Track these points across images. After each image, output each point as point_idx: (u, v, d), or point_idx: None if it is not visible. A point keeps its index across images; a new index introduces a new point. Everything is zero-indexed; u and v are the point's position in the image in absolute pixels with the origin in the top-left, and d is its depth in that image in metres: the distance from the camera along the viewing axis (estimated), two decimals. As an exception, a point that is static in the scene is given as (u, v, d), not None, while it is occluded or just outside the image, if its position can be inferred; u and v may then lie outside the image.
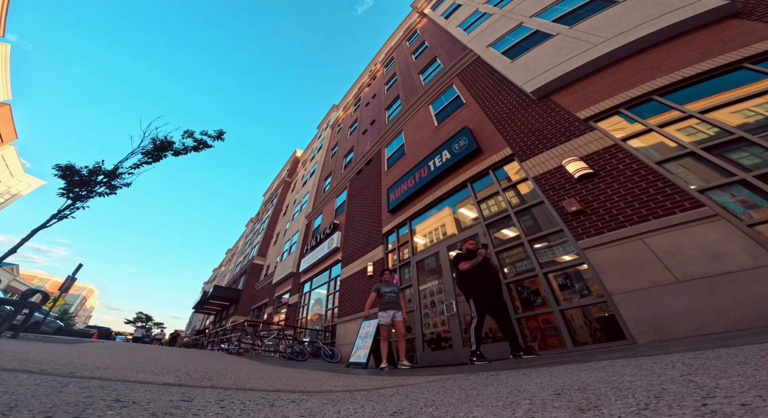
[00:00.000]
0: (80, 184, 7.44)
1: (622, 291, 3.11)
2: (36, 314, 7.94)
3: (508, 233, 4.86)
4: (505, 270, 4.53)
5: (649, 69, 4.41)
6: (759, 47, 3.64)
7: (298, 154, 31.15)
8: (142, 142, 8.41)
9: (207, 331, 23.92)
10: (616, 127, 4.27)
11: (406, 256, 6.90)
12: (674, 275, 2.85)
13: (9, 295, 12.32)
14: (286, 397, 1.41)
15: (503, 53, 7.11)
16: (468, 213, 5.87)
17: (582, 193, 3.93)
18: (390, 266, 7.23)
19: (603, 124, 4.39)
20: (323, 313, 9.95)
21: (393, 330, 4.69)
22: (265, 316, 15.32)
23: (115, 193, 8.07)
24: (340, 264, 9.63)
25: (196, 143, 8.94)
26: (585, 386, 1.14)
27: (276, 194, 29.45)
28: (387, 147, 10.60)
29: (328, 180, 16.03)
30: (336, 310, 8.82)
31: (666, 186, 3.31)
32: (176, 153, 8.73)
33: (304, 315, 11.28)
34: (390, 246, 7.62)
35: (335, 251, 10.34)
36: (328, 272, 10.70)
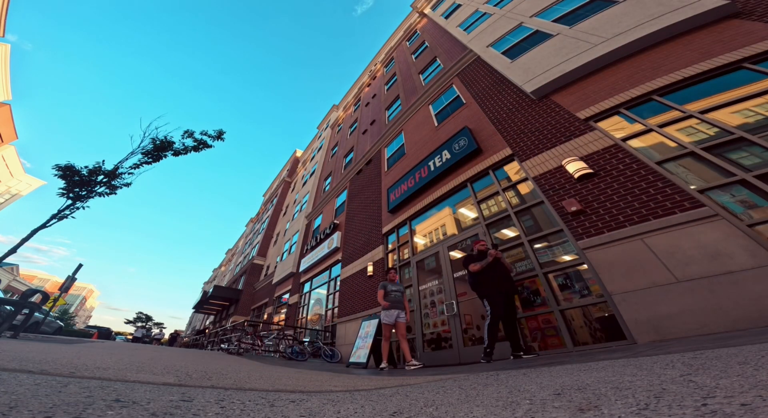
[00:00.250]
0: (80, 184, 7.44)
1: (622, 291, 3.11)
2: (36, 314, 7.94)
3: (508, 232, 4.86)
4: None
5: (649, 69, 4.41)
6: (759, 47, 3.64)
7: (298, 154, 31.15)
8: (142, 142, 8.41)
9: (207, 331, 23.92)
10: (616, 127, 4.27)
11: (406, 256, 6.90)
12: (674, 275, 2.85)
13: (9, 295, 12.32)
14: (286, 397, 1.41)
15: (503, 53, 7.11)
16: (468, 213, 5.87)
17: (582, 193, 3.93)
18: (390, 265, 7.22)
19: (603, 124, 4.39)
20: (323, 313, 9.95)
21: (393, 330, 4.67)
22: (265, 316, 15.32)
23: (115, 193, 8.07)
24: (340, 264, 9.62)
25: (196, 143, 8.94)
26: (585, 386, 1.14)
27: (276, 194, 29.46)
28: (387, 147, 10.60)
29: (328, 180, 16.03)
30: (336, 310, 8.82)
31: (666, 186, 3.31)
32: (176, 153, 8.73)
33: (304, 315, 11.28)
34: (390, 246, 7.62)
35: (335, 251, 10.34)
36: (328, 272, 10.70)
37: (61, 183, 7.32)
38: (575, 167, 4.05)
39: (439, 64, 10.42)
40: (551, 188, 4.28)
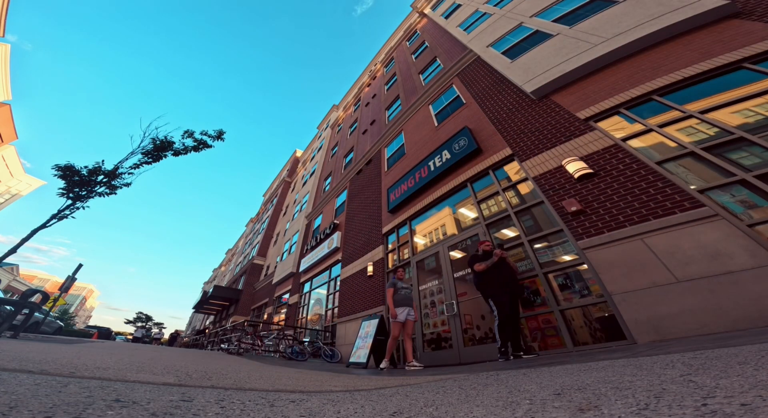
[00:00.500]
0: (80, 184, 7.44)
1: (622, 291, 3.11)
2: (36, 314, 7.95)
3: (508, 232, 4.86)
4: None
5: (649, 69, 4.41)
6: (759, 47, 3.64)
7: (298, 154, 31.15)
8: (142, 142, 8.41)
9: (207, 331, 23.92)
10: (616, 127, 4.27)
11: (406, 256, 6.90)
12: (674, 275, 2.85)
13: (9, 295, 12.32)
14: (286, 397, 1.41)
15: (503, 53, 7.11)
16: (468, 213, 5.87)
17: (582, 193, 3.93)
18: (390, 266, 7.23)
19: (603, 124, 4.39)
20: (323, 313, 9.95)
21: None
22: (265, 316, 15.32)
23: (115, 193, 8.07)
24: (340, 264, 9.63)
25: (196, 143, 8.93)
26: (585, 386, 1.14)
27: (276, 194, 29.45)
28: (387, 147, 10.60)
29: (328, 180, 16.03)
30: (336, 310, 8.82)
31: (666, 186, 3.32)
32: (176, 153, 8.72)
33: (304, 315, 11.28)
34: (390, 246, 7.62)
35: (335, 251, 10.34)
36: (328, 272, 10.70)
37: (61, 183, 7.32)
38: (575, 167, 4.05)
39: (439, 64, 10.42)
40: (551, 188, 4.28)
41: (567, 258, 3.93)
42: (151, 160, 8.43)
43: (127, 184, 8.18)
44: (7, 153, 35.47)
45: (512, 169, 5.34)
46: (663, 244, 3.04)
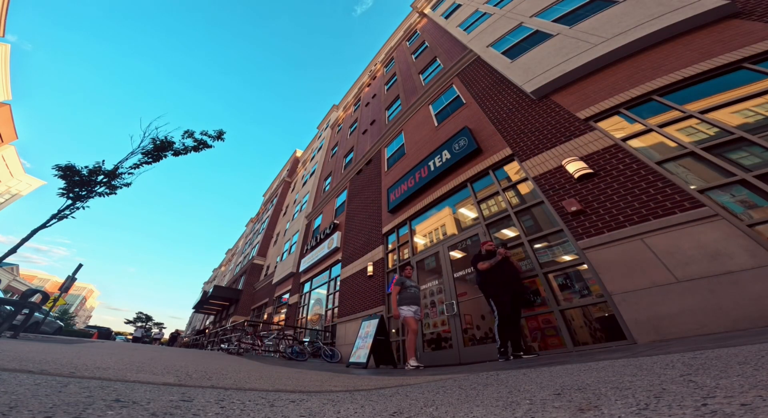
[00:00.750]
0: (80, 184, 7.44)
1: (622, 291, 3.11)
2: (36, 314, 7.95)
3: (508, 232, 4.86)
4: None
5: (649, 69, 4.41)
6: (759, 47, 3.64)
7: (298, 154, 31.15)
8: (142, 142, 8.41)
9: (207, 331, 23.92)
10: (616, 127, 4.27)
11: (406, 256, 6.90)
12: (674, 275, 2.85)
13: (9, 295, 12.32)
14: (286, 397, 1.41)
15: (503, 53, 7.11)
16: (468, 213, 5.87)
17: (582, 193, 3.93)
18: (390, 266, 7.23)
19: (603, 124, 4.39)
20: (323, 313, 9.95)
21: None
22: (265, 316, 15.32)
23: (115, 193, 8.07)
24: (340, 264, 9.63)
25: (196, 143, 8.94)
26: (585, 386, 1.14)
27: (276, 194, 29.46)
28: (387, 147, 10.60)
29: (328, 180, 16.03)
30: (336, 310, 8.83)
31: (666, 186, 3.32)
32: (176, 153, 8.73)
33: (304, 315, 11.28)
34: (390, 246, 7.62)
35: (335, 251, 10.34)
36: (328, 272, 10.70)
37: (61, 183, 7.33)
38: (575, 167, 4.05)
39: (439, 64, 10.42)
40: (551, 188, 4.28)
41: (567, 258, 3.93)
42: (151, 160, 8.43)
43: (127, 184, 8.18)
44: (7, 153, 35.47)
45: (512, 169, 5.34)
46: (663, 244, 3.04)
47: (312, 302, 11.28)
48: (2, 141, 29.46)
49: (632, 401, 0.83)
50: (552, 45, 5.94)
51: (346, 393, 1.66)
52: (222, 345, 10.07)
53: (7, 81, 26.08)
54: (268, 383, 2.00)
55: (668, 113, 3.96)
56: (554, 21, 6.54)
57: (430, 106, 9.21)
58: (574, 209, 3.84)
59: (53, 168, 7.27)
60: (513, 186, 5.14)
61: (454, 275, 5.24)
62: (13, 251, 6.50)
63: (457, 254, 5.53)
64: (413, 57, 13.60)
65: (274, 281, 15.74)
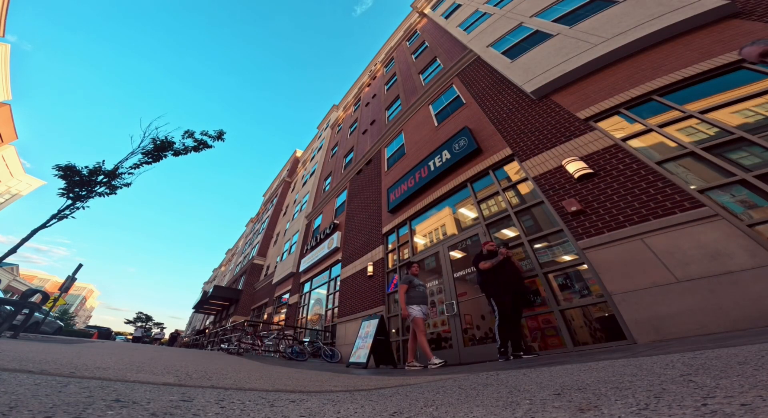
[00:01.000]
0: (80, 184, 7.44)
1: (622, 291, 3.11)
2: (36, 314, 7.94)
3: (508, 232, 4.86)
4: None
5: (649, 69, 4.41)
6: (759, 47, 3.64)
7: (298, 154, 31.15)
8: (142, 142, 8.41)
9: (207, 331, 23.92)
10: (616, 127, 4.27)
11: (406, 256, 6.90)
12: (674, 275, 2.85)
13: (9, 295, 12.32)
14: (286, 397, 1.41)
15: (503, 53, 7.11)
16: (468, 213, 5.87)
17: (582, 193, 3.93)
18: (390, 266, 7.23)
19: (603, 124, 4.39)
20: (323, 313, 9.95)
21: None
22: (265, 316, 15.32)
23: (115, 194, 8.07)
24: (340, 264, 9.63)
25: (196, 143, 8.93)
26: (585, 386, 1.14)
27: (276, 194, 29.45)
28: (387, 147, 10.60)
29: (328, 180, 16.03)
30: (336, 310, 8.82)
31: (666, 186, 3.32)
32: (176, 153, 8.73)
33: (304, 315, 11.28)
34: (390, 246, 7.62)
35: (335, 251, 10.34)
36: (328, 272, 10.70)
37: (61, 183, 7.32)
38: (575, 167, 4.05)
39: (439, 64, 10.42)
40: (551, 188, 4.28)
41: (567, 258, 3.93)
42: (151, 160, 8.43)
43: (127, 185, 8.18)
44: (7, 153, 35.47)
45: (512, 169, 5.34)
46: (663, 244, 3.04)
47: (312, 302, 11.28)
48: (2, 141, 29.46)
49: (632, 401, 0.83)
50: (552, 45, 5.94)
51: (346, 393, 1.66)
52: (222, 345, 10.06)
53: (7, 81, 26.08)
54: (268, 383, 2.00)
55: (668, 113, 3.96)
56: (554, 21, 6.54)
57: (430, 106, 9.21)
58: (574, 209, 3.83)
59: (53, 168, 7.26)
60: (513, 186, 5.14)
61: (454, 275, 5.24)
62: (13, 251, 6.50)
63: (457, 254, 5.53)
64: (413, 57, 13.60)
65: (274, 281, 15.74)
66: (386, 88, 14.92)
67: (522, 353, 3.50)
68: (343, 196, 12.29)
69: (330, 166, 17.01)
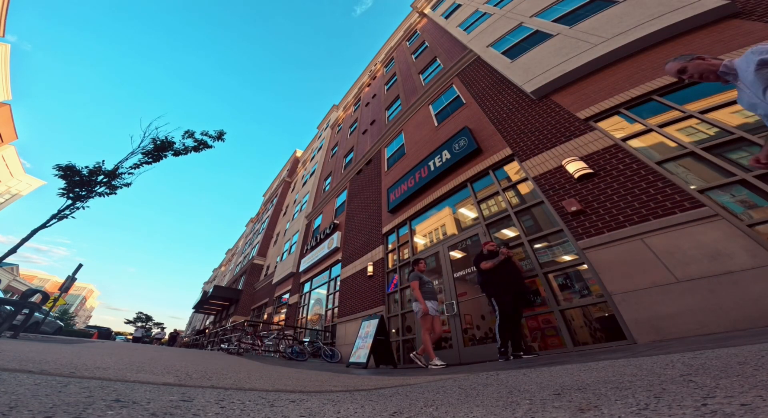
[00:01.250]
0: (80, 184, 7.44)
1: (622, 291, 3.11)
2: (36, 314, 7.94)
3: (508, 232, 4.86)
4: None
5: (649, 69, 4.41)
6: (759, 47, 3.64)
7: (298, 154, 31.15)
8: (142, 142, 8.42)
9: (207, 331, 23.91)
10: (616, 127, 4.27)
11: (406, 256, 6.90)
12: (674, 275, 2.85)
13: (9, 295, 12.32)
14: (286, 397, 1.41)
15: (503, 53, 7.11)
16: (468, 213, 5.87)
17: (582, 193, 3.93)
18: (390, 266, 7.23)
19: (603, 124, 4.39)
20: (323, 313, 9.95)
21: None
22: (265, 316, 15.32)
23: (115, 193, 8.07)
24: (340, 264, 9.63)
25: (196, 143, 8.94)
26: (585, 386, 1.14)
27: (276, 194, 29.45)
28: (387, 147, 10.60)
29: (328, 180, 16.03)
30: (336, 310, 8.82)
31: (666, 186, 3.32)
32: (176, 153, 8.73)
33: (304, 315, 11.28)
34: (390, 246, 7.62)
35: (335, 251, 10.34)
36: (328, 272, 10.70)
37: (62, 183, 7.33)
38: (575, 167, 4.05)
39: (439, 64, 10.42)
40: (551, 188, 4.28)
41: (567, 258, 3.93)
42: (151, 160, 8.43)
43: (127, 184, 8.18)
44: (7, 153, 35.47)
45: (512, 169, 5.34)
46: (663, 244, 3.04)
47: (312, 302, 11.28)
48: (2, 141, 29.46)
49: (632, 401, 0.83)
50: (552, 45, 5.94)
51: (346, 393, 1.66)
52: (222, 345, 10.06)
53: (7, 81, 26.09)
54: (268, 383, 2.00)
55: (668, 113, 3.96)
56: (554, 21, 6.54)
57: (430, 106, 9.21)
58: (574, 209, 3.84)
59: (53, 168, 7.27)
60: (513, 186, 5.14)
61: (454, 275, 5.24)
62: (13, 251, 6.50)
63: (457, 254, 5.53)
64: (413, 57, 13.60)
65: (274, 281, 15.74)
66: (386, 88, 14.92)
67: (522, 353, 3.50)
68: (343, 197, 12.29)
69: (330, 166, 17.01)
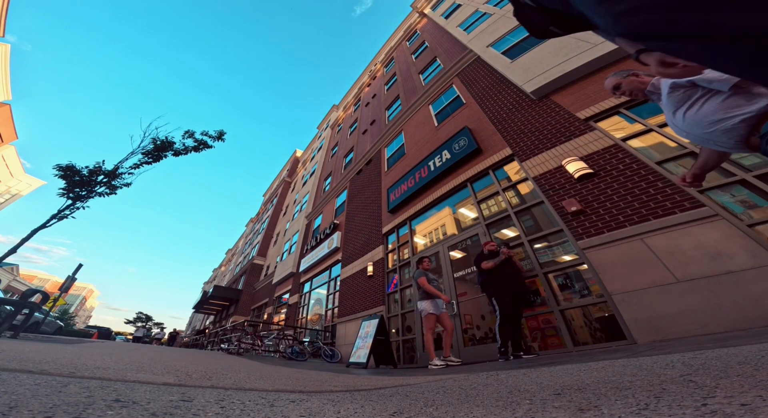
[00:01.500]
0: (80, 184, 7.44)
1: (622, 291, 3.11)
2: (36, 314, 7.94)
3: (508, 232, 4.86)
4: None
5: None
6: (759, 47, 3.64)
7: (298, 154, 31.15)
8: (142, 142, 8.42)
9: (207, 331, 23.91)
10: (616, 127, 4.27)
11: (406, 256, 6.90)
12: (674, 275, 2.85)
13: (9, 295, 12.32)
14: (286, 397, 1.41)
15: (503, 53, 7.11)
16: (468, 213, 5.87)
17: (582, 193, 3.93)
18: (390, 266, 7.23)
19: (603, 124, 4.39)
20: (323, 313, 9.95)
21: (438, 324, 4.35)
22: (265, 316, 15.32)
23: (115, 193, 8.08)
24: (340, 264, 9.63)
25: (196, 143, 8.94)
26: (585, 386, 1.14)
27: (276, 194, 29.46)
28: (387, 147, 10.60)
29: (328, 180, 16.03)
30: (336, 310, 8.82)
31: (666, 186, 3.32)
32: (176, 153, 8.73)
33: (304, 315, 11.28)
34: (390, 246, 7.62)
35: (335, 251, 10.34)
36: (328, 272, 10.70)
37: (62, 183, 7.33)
38: (575, 167, 4.05)
39: (439, 64, 10.42)
40: (551, 188, 4.28)
41: (567, 258, 3.93)
42: (151, 160, 8.44)
43: (127, 184, 8.19)
44: (7, 153, 35.48)
45: (512, 169, 5.34)
46: (663, 244, 3.04)
47: (312, 302, 11.28)
48: (2, 141, 29.47)
49: (632, 401, 0.83)
50: (552, 45, 5.93)
51: (346, 393, 1.66)
52: (222, 345, 10.07)
53: (7, 81, 26.09)
54: (268, 383, 2.00)
55: (668, 113, 3.95)
56: (554, 21, 6.53)
57: (430, 106, 9.21)
58: (574, 209, 3.84)
59: (53, 168, 7.27)
60: (513, 186, 5.14)
61: (454, 275, 5.24)
62: (13, 251, 6.51)
63: (457, 254, 5.53)
64: (413, 57, 13.60)
65: (274, 281, 15.74)
66: (386, 88, 14.92)
67: (522, 353, 3.50)
68: (343, 197, 12.29)
69: (330, 166, 17.01)
